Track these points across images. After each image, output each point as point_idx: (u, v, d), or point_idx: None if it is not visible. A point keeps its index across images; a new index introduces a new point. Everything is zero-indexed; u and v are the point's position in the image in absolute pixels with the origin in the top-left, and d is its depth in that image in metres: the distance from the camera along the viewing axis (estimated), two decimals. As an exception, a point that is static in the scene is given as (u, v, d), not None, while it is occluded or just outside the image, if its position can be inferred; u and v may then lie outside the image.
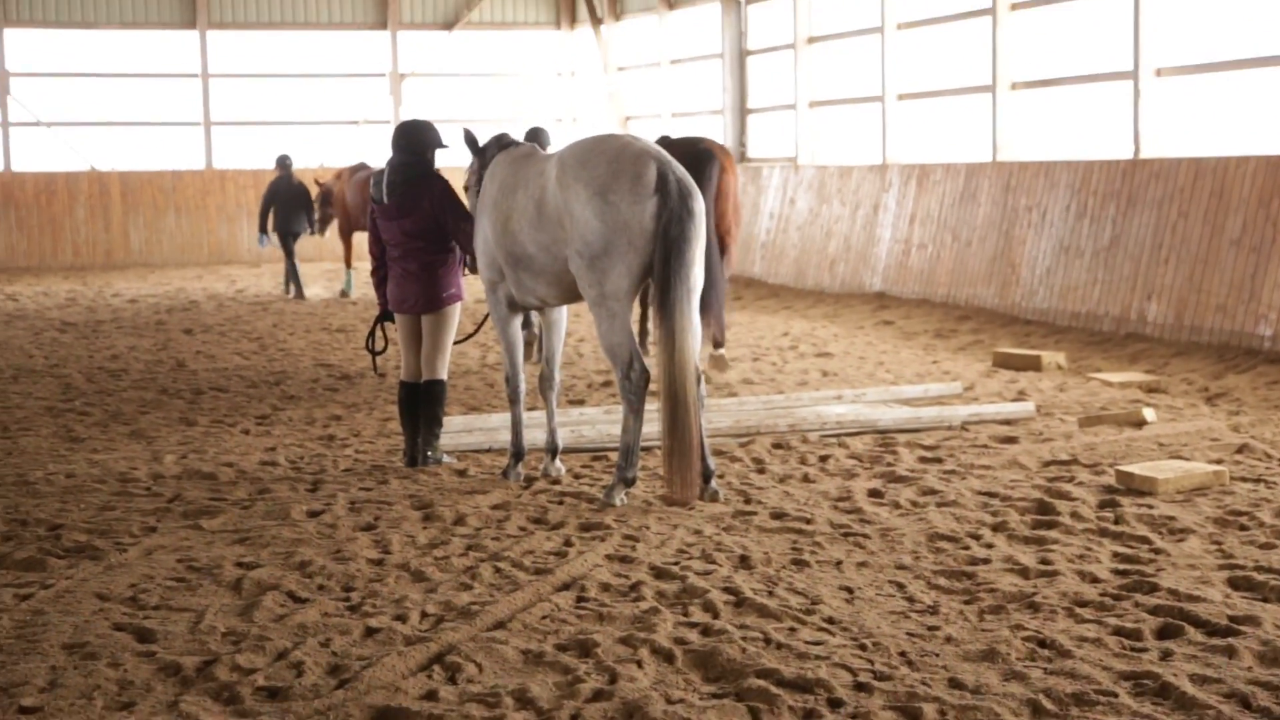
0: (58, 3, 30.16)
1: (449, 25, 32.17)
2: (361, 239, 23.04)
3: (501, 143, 9.96)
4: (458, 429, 11.31)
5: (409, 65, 32.01)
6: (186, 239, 28.46)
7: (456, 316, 10.31)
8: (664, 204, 8.74)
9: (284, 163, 23.52)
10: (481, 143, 10.04)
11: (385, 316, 10.56)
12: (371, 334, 10.80)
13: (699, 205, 8.85)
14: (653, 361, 9.08)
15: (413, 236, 10.10)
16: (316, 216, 23.36)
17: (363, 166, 23.16)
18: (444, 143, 10.30)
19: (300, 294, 23.28)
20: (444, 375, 10.33)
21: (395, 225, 10.11)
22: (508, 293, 9.69)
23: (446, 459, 10.40)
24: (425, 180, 10.10)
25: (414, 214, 10.05)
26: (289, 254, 23.49)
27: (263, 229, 23.58)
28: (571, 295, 9.42)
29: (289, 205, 23.30)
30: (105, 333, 18.54)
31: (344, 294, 23.42)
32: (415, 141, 10.19)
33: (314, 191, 23.81)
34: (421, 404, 10.31)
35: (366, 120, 31.95)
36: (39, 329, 18.94)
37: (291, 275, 23.46)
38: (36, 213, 29.75)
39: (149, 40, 30.91)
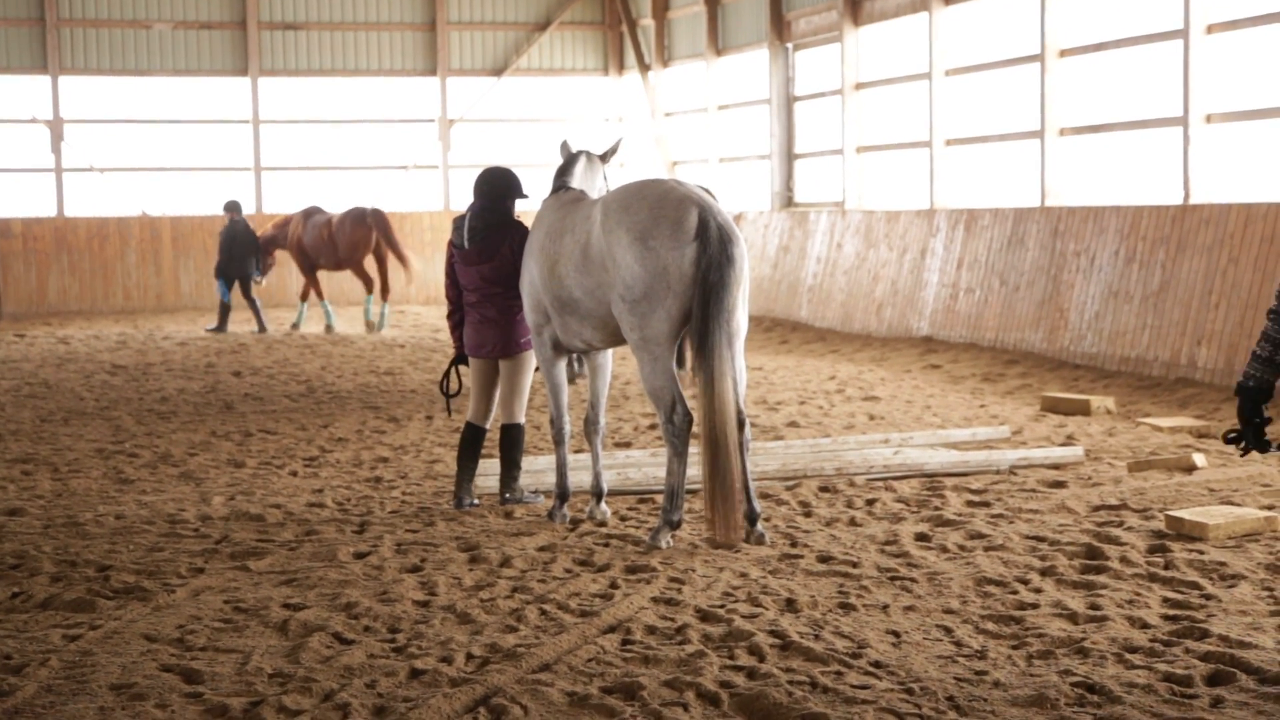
0: (111, 51, 30.50)
1: (498, 72, 32.37)
2: (326, 275, 26.16)
3: (588, 155, 10.25)
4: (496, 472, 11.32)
5: (458, 111, 32.21)
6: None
7: (533, 362, 10.36)
8: (704, 250, 8.77)
9: (235, 208, 24.75)
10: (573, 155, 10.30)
11: (460, 359, 10.64)
12: (446, 376, 10.85)
13: (739, 251, 8.88)
14: (694, 405, 9.09)
15: (491, 282, 10.16)
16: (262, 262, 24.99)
17: (318, 210, 24.90)
18: (525, 192, 10.37)
19: (262, 328, 24.64)
20: (522, 419, 10.40)
21: (474, 271, 10.19)
22: (553, 335, 9.74)
23: (530, 497, 10.45)
24: (505, 227, 10.17)
25: (493, 260, 10.12)
26: (247, 295, 24.79)
27: (221, 275, 24.75)
28: (617, 339, 9.47)
29: (243, 250, 24.55)
30: (155, 375, 18.67)
31: (295, 327, 24.98)
32: (496, 188, 10.27)
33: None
34: (501, 447, 10.42)
35: (415, 165, 32.15)
36: (90, 371, 19.10)
37: (255, 312, 24.75)
38: (89, 257, 30.02)
39: (201, 87, 31.21)
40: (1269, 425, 6.09)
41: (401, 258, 24.38)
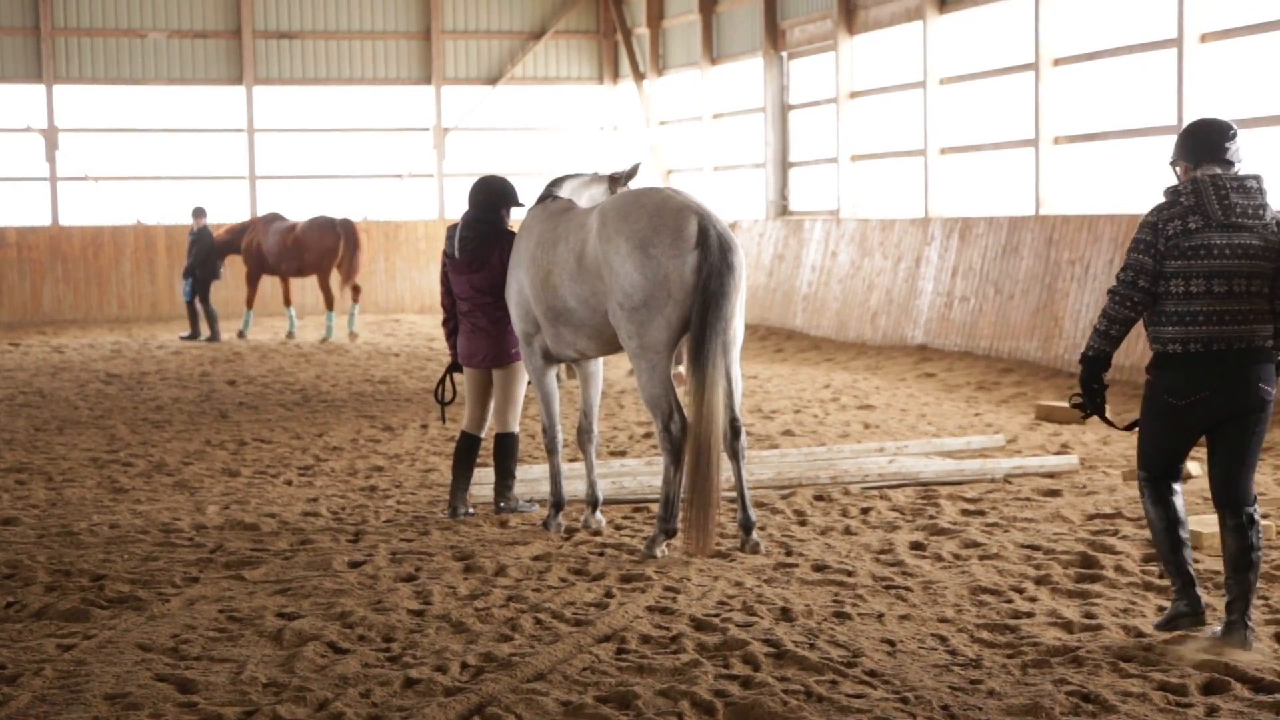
0: (106, 60, 30.49)
1: (493, 80, 32.37)
2: (272, 282, 27.54)
3: (596, 176, 10.31)
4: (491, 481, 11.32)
5: (452, 119, 32.21)
6: (230, 291, 28.57)
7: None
8: (705, 258, 8.79)
9: (203, 213, 25.10)
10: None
11: (455, 368, 10.64)
12: (440, 384, 10.84)
13: (739, 259, 8.90)
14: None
15: (482, 292, 10.16)
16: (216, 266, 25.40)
17: (278, 217, 25.26)
18: (520, 200, 10.36)
19: (215, 336, 24.82)
20: (515, 428, 10.40)
21: (465, 280, 10.19)
22: (543, 345, 9.74)
23: (524, 506, 10.45)
24: (496, 237, 10.16)
25: (483, 269, 10.11)
26: (206, 300, 24.97)
27: (190, 277, 25.01)
28: (611, 347, 9.47)
29: (211, 254, 24.92)
30: (150, 384, 18.66)
31: (241, 334, 25.19)
32: (489, 198, 10.27)
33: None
34: (495, 457, 10.43)
35: (410, 174, 32.15)
36: (84, 380, 19.08)
37: (210, 320, 24.94)
38: (83, 266, 30.00)
39: (196, 96, 31.19)
40: (1107, 390, 7.06)
41: (354, 271, 24.67)
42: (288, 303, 25.43)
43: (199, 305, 25.03)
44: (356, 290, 24.96)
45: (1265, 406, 6.88)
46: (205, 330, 24.96)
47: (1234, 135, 7.07)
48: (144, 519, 10.39)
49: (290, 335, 25.02)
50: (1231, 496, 6.90)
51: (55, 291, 29.84)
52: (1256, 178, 6.99)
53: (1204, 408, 6.86)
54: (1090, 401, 7.04)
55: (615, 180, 10.27)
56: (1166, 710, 6.05)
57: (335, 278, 25.26)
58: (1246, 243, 6.84)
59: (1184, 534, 6.99)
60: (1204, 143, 7.06)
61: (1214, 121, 7.19)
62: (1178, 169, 7.15)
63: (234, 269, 27.71)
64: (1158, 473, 7.04)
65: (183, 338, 25.04)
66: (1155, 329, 6.94)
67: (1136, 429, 7.11)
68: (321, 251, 24.52)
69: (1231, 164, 7.05)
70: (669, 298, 8.83)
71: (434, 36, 31.92)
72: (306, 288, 28.62)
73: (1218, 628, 6.93)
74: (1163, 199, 7.03)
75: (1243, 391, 6.82)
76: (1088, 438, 13.32)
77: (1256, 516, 6.90)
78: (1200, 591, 6.99)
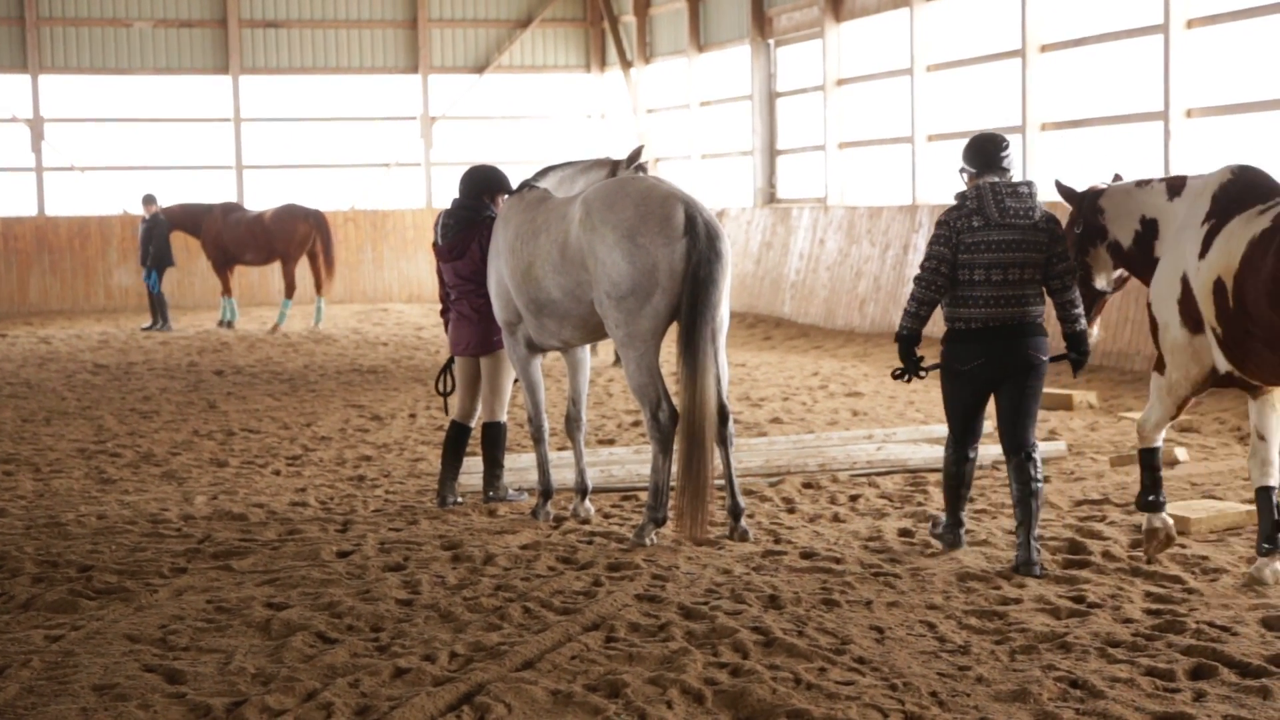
0: (92, 50, 30.41)
1: (480, 69, 32.32)
2: (246, 270, 27.79)
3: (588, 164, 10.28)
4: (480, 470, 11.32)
5: (440, 108, 32.16)
6: (218, 281, 28.61)
7: None
8: (693, 246, 8.78)
9: (153, 200, 25.24)
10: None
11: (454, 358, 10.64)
12: (440, 375, 10.82)
13: (726, 247, 8.91)
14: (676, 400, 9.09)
15: (465, 279, 10.14)
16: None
17: (237, 207, 25.69)
18: (509, 187, 10.30)
19: (167, 325, 25.03)
20: (503, 417, 10.39)
21: (449, 268, 10.18)
22: (526, 334, 9.72)
23: (513, 495, 10.44)
24: (476, 224, 10.14)
25: (464, 257, 10.10)
26: (160, 288, 25.22)
27: (155, 268, 25.15)
28: (596, 335, 9.47)
29: (164, 241, 25.05)
30: (137, 374, 18.62)
31: (228, 324, 25.25)
32: (474, 186, 10.25)
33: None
34: (483, 446, 10.41)
35: (397, 163, 32.10)
36: (71, 371, 19.04)
37: (160, 307, 25.09)
38: (70, 256, 29.94)
39: (182, 85, 31.12)
40: (922, 360, 8.50)
41: (331, 263, 24.90)
42: (227, 292, 25.55)
43: (151, 293, 25.30)
44: (320, 285, 25.08)
45: (1036, 369, 8.33)
46: (149, 319, 25.41)
47: (1008, 147, 8.47)
48: (132, 510, 10.38)
49: (229, 324, 25.22)
50: (1015, 441, 8.31)
51: (42, 282, 29.78)
52: (1028, 184, 8.39)
53: (982, 371, 8.32)
54: (911, 370, 8.53)
55: (617, 165, 10.20)
56: (1154, 695, 6.06)
57: (303, 267, 25.59)
58: (1018, 239, 8.25)
59: (964, 492, 8.58)
60: (985, 155, 8.43)
61: (993, 136, 8.56)
62: (965, 176, 8.49)
63: (182, 255, 27.92)
64: (958, 435, 8.49)
65: (144, 329, 25.04)
66: (948, 309, 8.43)
67: (937, 370, 8.59)
68: (292, 240, 24.72)
69: (1007, 171, 8.44)
70: (657, 286, 8.82)
71: (420, 25, 31.86)
72: (301, 280, 28.53)
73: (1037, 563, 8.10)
74: (954, 203, 8.38)
75: (1014, 359, 8.28)
76: (1075, 424, 13.34)
77: (1036, 456, 8.28)
78: (963, 531, 8.63)
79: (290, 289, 25.07)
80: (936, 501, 10.07)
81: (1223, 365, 7.71)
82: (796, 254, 24.32)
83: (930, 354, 9.00)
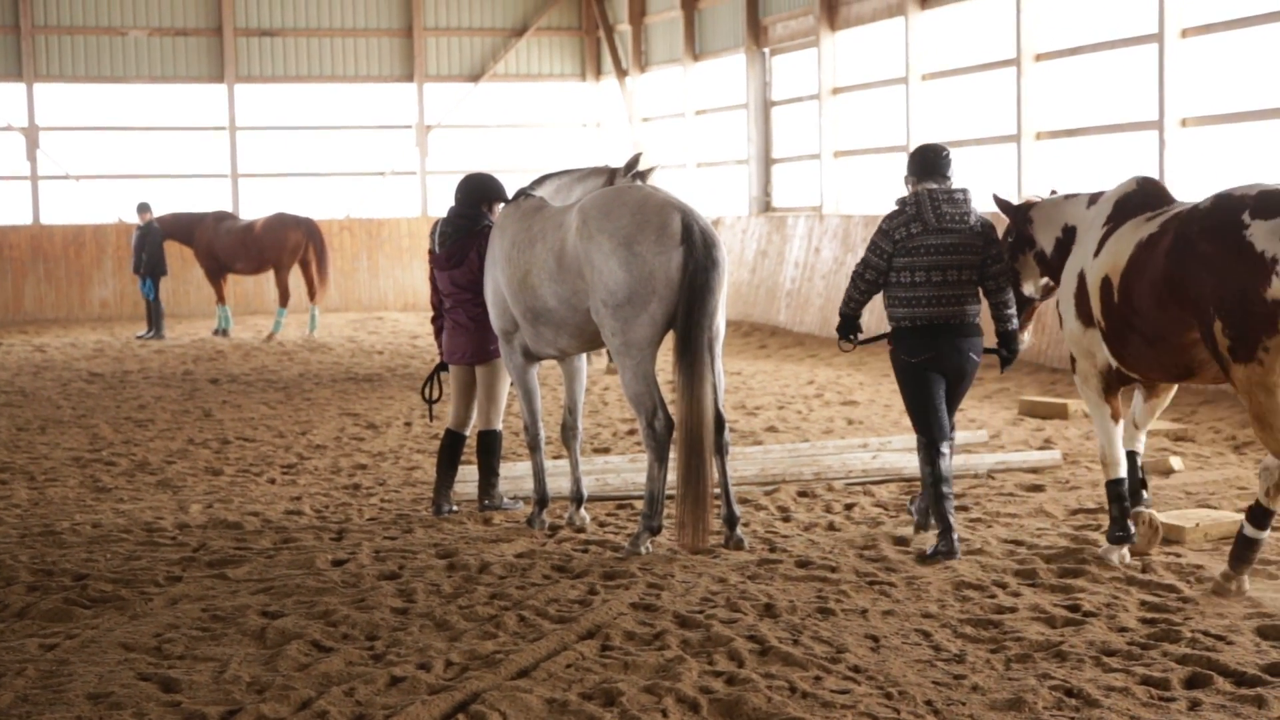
0: (87, 58, 30.41)
1: (475, 78, 32.34)
2: (240, 279, 27.96)
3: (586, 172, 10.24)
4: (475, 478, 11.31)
5: (435, 117, 32.17)
6: (212, 291, 28.66)
7: None
8: (690, 254, 8.79)
9: (148, 208, 25.30)
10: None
11: (443, 366, 10.62)
12: (427, 383, 10.82)
13: (722, 255, 8.92)
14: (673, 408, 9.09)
15: (461, 288, 10.15)
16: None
17: (229, 215, 25.63)
18: (505, 196, 10.30)
19: (160, 334, 25.02)
20: (499, 426, 10.39)
21: (446, 276, 10.19)
22: (523, 343, 9.72)
23: (508, 504, 10.43)
24: (474, 233, 10.14)
25: (462, 265, 10.10)
26: (156, 296, 25.21)
27: (149, 275, 25.17)
28: (593, 344, 9.47)
29: (158, 250, 25.10)
30: (132, 383, 18.61)
31: (224, 332, 25.20)
32: (471, 194, 10.26)
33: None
34: (478, 454, 10.41)
35: (393, 171, 32.11)
36: (66, 380, 19.03)
37: (156, 316, 25.12)
38: (65, 265, 29.93)
39: (177, 94, 31.12)
40: (858, 335, 9.12)
41: (325, 271, 24.95)
42: (221, 301, 25.53)
43: (148, 301, 25.31)
44: (312, 293, 25.12)
45: (970, 369, 8.93)
46: (144, 327, 25.40)
47: (947, 156, 9.03)
48: (127, 518, 10.37)
49: (225, 333, 25.17)
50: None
51: (37, 290, 29.76)
52: (963, 190, 8.93)
53: (934, 364, 8.81)
54: (850, 331, 9.13)
55: (614, 174, 10.18)
56: (1149, 704, 6.06)
57: (297, 275, 25.66)
58: (954, 242, 8.82)
59: (947, 489, 8.78)
60: (925, 163, 9.03)
61: (934, 146, 9.12)
62: (907, 184, 9.09)
63: (177, 263, 27.96)
64: (929, 436, 8.83)
65: (140, 337, 25.03)
66: (891, 309, 8.91)
67: (886, 340, 9.12)
68: (284, 248, 24.75)
69: (946, 179, 8.99)
70: (654, 294, 8.83)
71: (416, 33, 31.88)
72: (295, 289, 28.54)
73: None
74: (894, 208, 8.97)
75: (957, 356, 8.83)
76: (1071, 433, 13.35)
77: (952, 439, 8.99)
78: (955, 536, 8.68)
79: (284, 298, 25.08)
80: (932, 510, 10.07)
81: (1103, 358, 8.42)
82: (792, 262, 24.33)
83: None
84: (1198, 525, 9.00)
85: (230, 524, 10.10)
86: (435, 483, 10.45)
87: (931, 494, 8.82)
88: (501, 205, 10.23)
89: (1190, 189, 16.50)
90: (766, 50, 26.62)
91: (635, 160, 10.15)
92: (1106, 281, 8.13)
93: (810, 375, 18.45)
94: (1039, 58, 19.12)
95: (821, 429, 13.98)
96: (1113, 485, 8.53)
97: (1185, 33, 16.48)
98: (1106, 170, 18.17)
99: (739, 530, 9.16)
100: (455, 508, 10.40)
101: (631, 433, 13.81)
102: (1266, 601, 7.54)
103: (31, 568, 8.80)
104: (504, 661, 6.72)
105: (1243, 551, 7.66)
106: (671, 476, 9.45)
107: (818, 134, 24.46)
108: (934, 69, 21.53)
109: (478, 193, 10.27)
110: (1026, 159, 19.19)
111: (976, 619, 7.36)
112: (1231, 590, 7.65)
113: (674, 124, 30.44)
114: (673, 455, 9.19)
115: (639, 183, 9.63)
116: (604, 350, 13.78)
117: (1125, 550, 8.46)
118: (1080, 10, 18.70)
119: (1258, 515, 7.60)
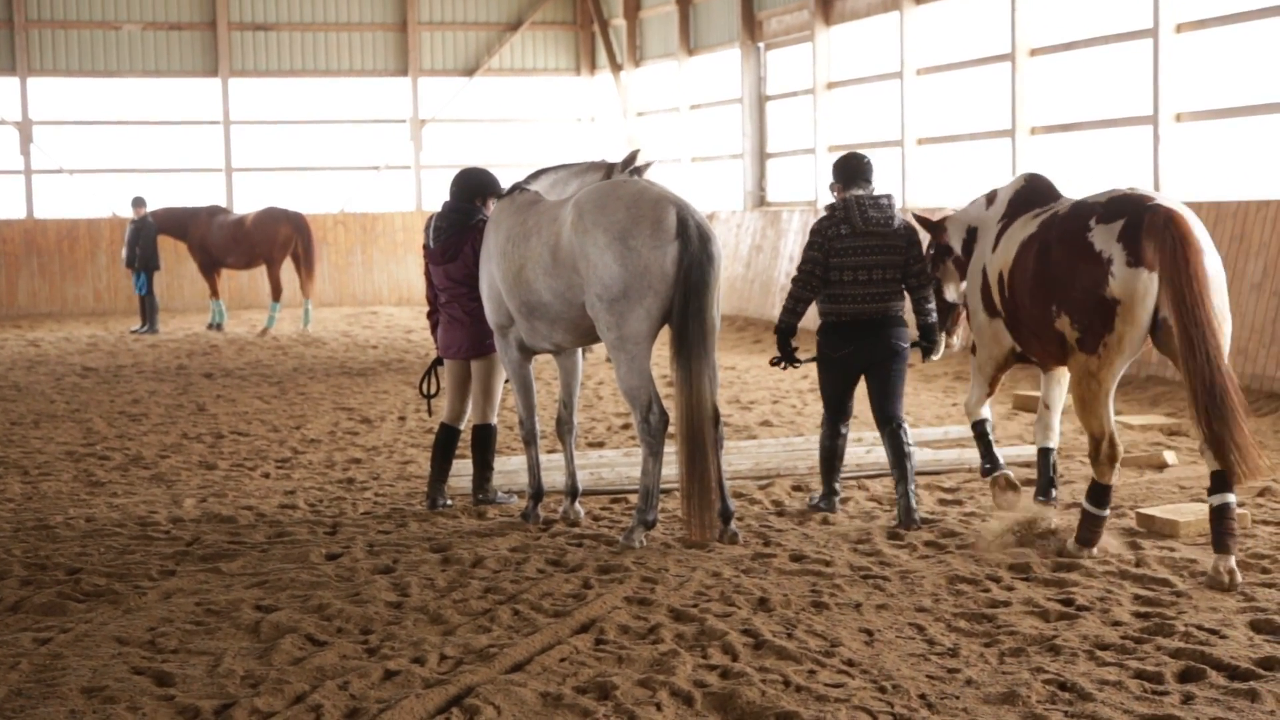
0: (80, 52, 30.38)
1: (469, 72, 32.32)
2: (234, 274, 28.05)
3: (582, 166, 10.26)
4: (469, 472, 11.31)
5: (429, 111, 32.16)
6: (173, 278, 28.76)
7: None
8: (685, 248, 8.79)
9: (142, 203, 25.36)
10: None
11: (439, 361, 10.61)
12: (425, 377, 10.82)
13: (717, 249, 8.92)
14: (671, 404, 9.10)
15: (457, 282, 10.14)
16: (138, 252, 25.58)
17: (221, 210, 25.62)
18: (501, 190, 10.28)
19: (154, 328, 25.03)
20: (493, 420, 10.38)
21: (440, 270, 10.18)
22: (518, 337, 9.71)
23: (503, 498, 10.43)
24: (468, 227, 10.13)
25: (456, 259, 10.09)
26: (150, 290, 25.23)
27: (142, 269, 25.25)
28: (588, 338, 9.46)
29: (152, 244, 25.16)
30: (126, 377, 18.60)
31: (218, 326, 25.29)
32: (465, 188, 10.24)
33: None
34: (472, 448, 10.41)
35: (387, 166, 32.09)
36: (60, 374, 19.01)
37: (151, 311, 25.12)
38: (59, 259, 29.91)
39: (171, 88, 31.09)
40: (797, 350, 9.75)
41: (311, 265, 24.95)
42: (215, 295, 25.54)
43: (140, 295, 25.33)
44: (305, 287, 25.11)
45: (898, 355, 9.65)
46: (139, 321, 25.40)
47: (869, 163, 9.75)
48: (120, 512, 10.36)
49: (219, 327, 25.23)
50: (885, 415, 9.64)
51: (30, 285, 29.74)
52: (888, 196, 9.65)
53: (851, 359, 9.62)
54: (787, 360, 9.73)
55: (611, 168, 10.16)
56: (1143, 698, 6.07)
57: (289, 270, 25.61)
58: (879, 244, 9.51)
59: (837, 463, 9.88)
60: (850, 170, 9.72)
61: (858, 154, 9.84)
62: (834, 191, 9.74)
63: (171, 258, 27.93)
64: (833, 414, 9.80)
65: (134, 331, 25.04)
66: (822, 305, 9.67)
67: (814, 363, 9.86)
68: (274, 243, 24.76)
69: (870, 184, 9.69)
70: (649, 288, 8.82)
71: (410, 28, 31.86)
72: (288, 283, 28.54)
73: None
74: (824, 214, 9.63)
75: (879, 347, 9.58)
76: (1065, 428, 13.34)
77: (905, 425, 9.66)
78: (836, 499, 9.87)
79: (276, 292, 25.06)
80: (926, 504, 10.09)
81: (1009, 342, 9.24)
82: (786, 257, 24.33)
83: (805, 345, 10.12)
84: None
85: (224, 518, 10.09)
86: (430, 477, 10.45)
87: (825, 466, 9.87)
88: (496, 200, 10.21)
89: (1185, 184, 16.54)
90: (761, 45, 26.61)
91: (634, 156, 10.14)
92: (1001, 276, 8.91)
93: (804, 369, 18.44)
94: (1034, 52, 19.12)
95: (816, 423, 13.97)
96: (976, 425, 9.78)
97: (1180, 28, 16.49)
98: (1101, 165, 18.21)
99: (733, 524, 9.17)
100: (450, 502, 10.40)
101: (626, 427, 13.81)
102: (1259, 596, 7.55)
103: (25, 562, 8.80)
104: (498, 655, 6.72)
105: (1219, 525, 7.86)
106: (667, 471, 9.46)
107: (812, 128, 24.47)
108: (929, 64, 21.54)
109: (472, 187, 10.26)
110: (1021, 154, 19.19)
111: (970, 613, 7.37)
112: (1225, 582, 7.66)
113: (669, 118, 30.43)
114: (668, 449, 9.20)
115: (635, 177, 9.62)
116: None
117: (1000, 477, 9.50)
118: (1075, 5, 18.70)
119: (1219, 482, 8.01)
